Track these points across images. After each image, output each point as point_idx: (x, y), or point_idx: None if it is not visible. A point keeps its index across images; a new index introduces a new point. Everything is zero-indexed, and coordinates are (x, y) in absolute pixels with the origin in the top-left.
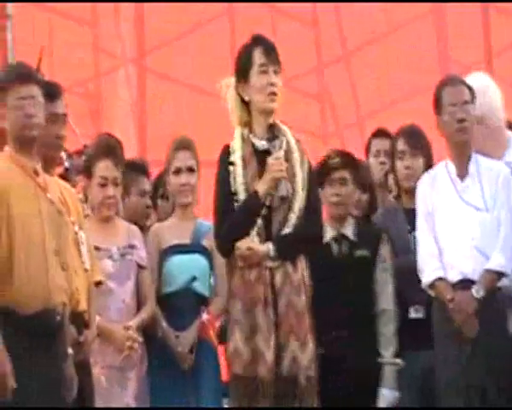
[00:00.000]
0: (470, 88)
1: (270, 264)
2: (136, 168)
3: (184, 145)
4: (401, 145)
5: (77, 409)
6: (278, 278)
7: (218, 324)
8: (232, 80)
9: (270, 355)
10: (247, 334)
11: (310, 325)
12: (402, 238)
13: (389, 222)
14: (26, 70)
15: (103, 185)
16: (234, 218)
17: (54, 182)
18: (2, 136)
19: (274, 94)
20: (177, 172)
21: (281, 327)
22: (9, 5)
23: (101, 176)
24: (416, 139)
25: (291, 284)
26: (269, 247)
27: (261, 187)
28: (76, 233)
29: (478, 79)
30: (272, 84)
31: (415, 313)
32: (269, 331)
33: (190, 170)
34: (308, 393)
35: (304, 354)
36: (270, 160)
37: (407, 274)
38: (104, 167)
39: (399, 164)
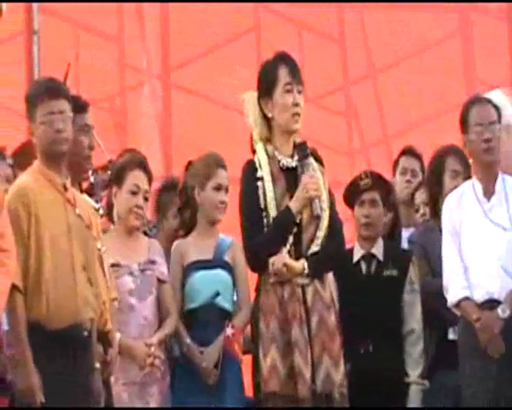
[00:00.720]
0: (497, 108)
1: (301, 281)
2: (173, 188)
3: (223, 164)
4: (453, 165)
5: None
6: (309, 295)
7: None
8: (254, 94)
9: (307, 373)
10: (284, 351)
11: (340, 342)
12: (441, 258)
13: (428, 241)
14: (55, 84)
15: (134, 193)
16: (267, 234)
17: (81, 197)
18: (31, 150)
19: (298, 115)
20: (218, 188)
21: (314, 344)
22: (36, 20)
23: (134, 184)
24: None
25: (322, 302)
26: (303, 264)
27: (294, 204)
28: (99, 249)
29: (497, 94)
30: (297, 105)
31: (453, 335)
32: (305, 348)
33: (227, 190)
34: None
35: (337, 371)
36: (304, 178)
37: None
38: (138, 176)
39: (450, 182)
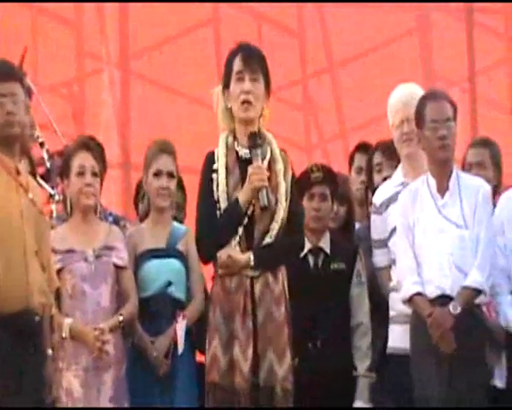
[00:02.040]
0: (453, 104)
1: (250, 273)
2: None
3: (166, 149)
4: (378, 158)
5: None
6: (258, 287)
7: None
8: (220, 88)
9: (246, 366)
10: (225, 342)
11: (288, 337)
12: None
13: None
14: (6, 67)
15: (81, 174)
16: (216, 226)
17: (33, 182)
18: None
19: (247, 102)
20: (157, 174)
21: (259, 337)
22: None
23: (78, 165)
24: (392, 151)
25: (271, 295)
26: (249, 256)
27: (242, 196)
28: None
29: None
30: (246, 92)
31: None
32: (246, 341)
33: (170, 175)
34: (284, 404)
35: (281, 366)
36: (250, 168)
37: None
38: (81, 158)
39: (377, 177)
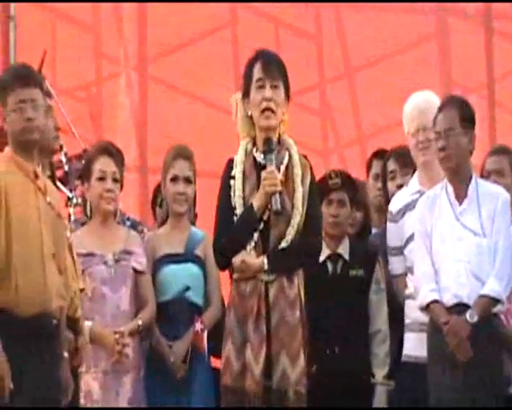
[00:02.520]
0: (466, 110)
1: (264, 277)
2: None
3: (183, 154)
4: (392, 165)
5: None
6: (272, 292)
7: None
8: (239, 95)
9: (257, 369)
10: (239, 346)
11: (302, 341)
12: None
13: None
14: (27, 72)
15: (102, 179)
16: (231, 232)
17: (51, 185)
18: (3, 136)
19: (269, 110)
20: (174, 179)
21: (272, 341)
22: (12, 6)
23: (99, 170)
24: (406, 159)
25: (285, 299)
26: (263, 260)
27: (256, 201)
28: (68, 238)
29: (424, 96)
30: (267, 100)
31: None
32: (259, 345)
33: (187, 180)
34: (296, 408)
35: (294, 369)
36: (263, 173)
37: None
38: (102, 163)
39: (391, 184)
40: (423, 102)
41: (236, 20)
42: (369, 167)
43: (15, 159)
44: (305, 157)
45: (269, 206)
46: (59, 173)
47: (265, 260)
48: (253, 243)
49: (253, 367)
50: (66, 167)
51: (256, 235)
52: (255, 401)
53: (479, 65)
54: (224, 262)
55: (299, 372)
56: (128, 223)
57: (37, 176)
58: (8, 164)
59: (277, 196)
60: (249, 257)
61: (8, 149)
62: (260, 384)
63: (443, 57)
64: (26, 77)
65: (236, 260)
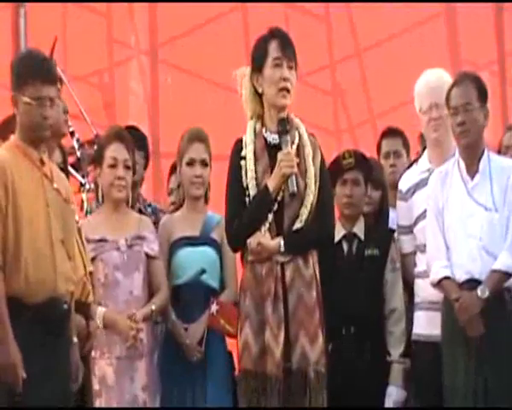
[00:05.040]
0: (481, 85)
1: (280, 259)
2: None
3: (198, 137)
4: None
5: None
6: (289, 272)
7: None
8: (247, 70)
9: (278, 351)
10: (257, 329)
11: (320, 321)
12: None
13: None
14: (49, 68)
15: (113, 166)
16: (245, 213)
17: (58, 171)
18: (10, 123)
19: (286, 89)
20: (190, 163)
21: (290, 322)
22: None
23: (111, 157)
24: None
25: (302, 279)
26: (279, 242)
27: (271, 182)
28: (77, 222)
29: (436, 75)
30: (285, 79)
31: None
32: (278, 327)
33: (203, 163)
34: (317, 388)
35: (313, 349)
36: (279, 155)
37: None
38: (114, 149)
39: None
40: (435, 80)
41: (246, 3)
42: (379, 147)
43: (21, 147)
44: (313, 136)
45: (283, 187)
46: (71, 159)
47: (282, 242)
48: (267, 225)
49: (273, 349)
50: (78, 153)
51: (270, 216)
52: (276, 383)
53: (488, 41)
54: (237, 244)
55: (318, 352)
56: (149, 209)
57: (43, 163)
58: (15, 152)
59: (293, 177)
60: (265, 239)
61: (14, 137)
62: (281, 366)
63: (452, 35)
64: (48, 73)
65: (252, 241)
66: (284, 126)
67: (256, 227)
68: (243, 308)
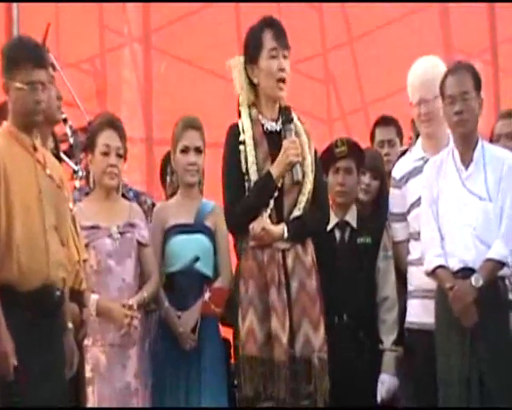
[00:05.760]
0: (476, 75)
1: (281, 246)
2: None
3: (193, 125)
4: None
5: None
6: (290, 260)
7: None
8: (240, 60)
9: (284, 337)
10: (262, 315)
11: (321, 307)
12: None
13: None
14: (40, 52)
15: (106, 154)
16: (247, 199)
17: (51, 157)
18: (1, 110)
19: (283, 80)
20: (185, 151)
21: (294, 309)
22: None
23: (103, 144)
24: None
25: (302, 266)
26: (283, 228)
27: (275, 169)
28: (71, 209)
29: (431, 62)
30: (282, 70)
31: None
32: (283, 313)
33: (198, 150)
34: (322, 375)
35: (316, 336)
36: (285, 143)
37: None
38: (107, 136)
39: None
40: (425, 72)
41: None
42: (372, 135)
43: (14, 133)
44: (304, 124)
45: (285, 175)
46: (64, 146)
47: (285, 228)
48: (268, 211)
49: (280, 336)
50: (71, 140)
51: (272, 203)
52: (283, 369)
53: (481, 30)
54: (238, 228)
55: (321, 339)
56: (131, 193)
57: (35, 149)
58: (7, 138)
59: (297, 166)
60: (268, 224)
61: (6, 124)
62: (288, 352)
63: (444, 23)
64: (39, 58)
65: (256, 226)
66: (288, 115)
67: (257, 213)
68: (245, 295)
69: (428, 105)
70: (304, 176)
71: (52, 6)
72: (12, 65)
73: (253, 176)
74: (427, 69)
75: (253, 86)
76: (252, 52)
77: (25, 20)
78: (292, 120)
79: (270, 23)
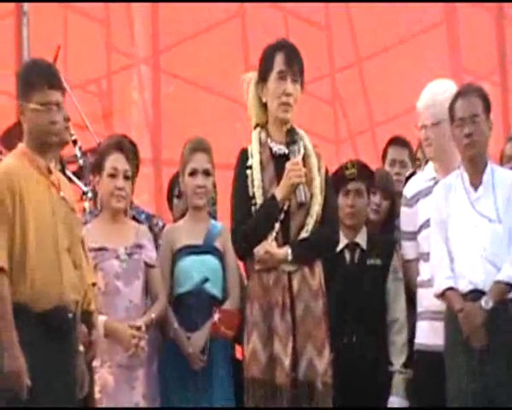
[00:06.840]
0: (485, 98)
1: (287, 268)
2: None
3: (201, 147)
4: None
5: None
6: (296, 282)
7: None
8: (254, 75)
9: (286, 360)
10: (265, 338)
11: (326, 331)
12: None
13: None
14: (56, 74)
15: (113, 176)
16: (252, 222)
17: (64, 180)
18: (13, 132)
19: (287, 104)
20: (193, 173)
21: (298, 332)
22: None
23: (111, 167)
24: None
25: (309, 289)
26: (287, 251)
27: (279, 192)
28: (81, 232)
29: (440, 87)
30: (287, 94)
31: None
32: (286, 336)
33: (206, 173)
34: (324, 399)
35: (320, 360)
36: (288, 165)
37: None
38: (114, 159)
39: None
40: (427, 99)
41: (245, 11)
42: (384, 154)
43: (29, 155)
44: (316, 147)
45: (290, 196)
46: (74, 168)
47: (289, 250)
48: (274, 234)
49: (282, 359)
50: (80, 162)
51: (277, 225)
52: (285, 393)
53: (489, 51)
54: (244, 252)
55: (325, 363)
56: (142, 216)
57: (50, 171)
58: (22, 160)
59: (301, 187)
60: (272, 247)
61: (21, 145)
62: (290, 376)
63: (452, 44)
64: (54, 79)
65: (260, 250)
66: (292, 136)
67: (263, 236)
68: (250, 317)
69: (427, 130)
70: (312, 197)
71: (61, 27)
72: (28, 87)
73: (259, 199)
74: (432, 95)
75: (264, 105)
76: (263, 71)
77: (34, 41)
78: (295, 141)
79: (283, 45)
